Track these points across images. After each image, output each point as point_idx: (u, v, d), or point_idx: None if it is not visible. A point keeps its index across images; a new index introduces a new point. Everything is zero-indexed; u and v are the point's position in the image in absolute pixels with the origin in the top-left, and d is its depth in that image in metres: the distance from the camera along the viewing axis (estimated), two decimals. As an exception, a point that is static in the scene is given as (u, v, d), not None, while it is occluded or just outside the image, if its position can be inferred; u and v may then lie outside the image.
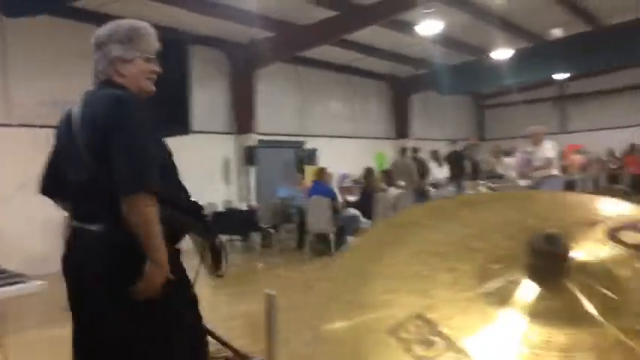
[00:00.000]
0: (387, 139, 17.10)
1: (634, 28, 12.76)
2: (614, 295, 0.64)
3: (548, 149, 8.35)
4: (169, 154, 2.07)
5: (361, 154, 14.96)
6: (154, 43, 2.11)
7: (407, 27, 12.02)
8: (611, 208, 0.79)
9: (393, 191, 10.38)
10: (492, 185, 10.71)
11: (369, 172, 10.31)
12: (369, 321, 0.66)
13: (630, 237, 0.72)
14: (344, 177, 13.14)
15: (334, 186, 11.01)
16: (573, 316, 0.63)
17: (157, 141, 1.98)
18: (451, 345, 0.62)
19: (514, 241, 0.69)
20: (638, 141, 15.97)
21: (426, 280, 0.71)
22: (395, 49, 14.16)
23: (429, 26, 11.48)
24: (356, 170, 12.91)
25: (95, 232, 1.89)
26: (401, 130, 17.40)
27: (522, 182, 8.81)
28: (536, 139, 8.35)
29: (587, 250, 0.70)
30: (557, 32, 13.70)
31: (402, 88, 17.29)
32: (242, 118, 12.35)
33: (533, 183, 8.22)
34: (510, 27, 13.10)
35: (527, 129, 8.69)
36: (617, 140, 16.72)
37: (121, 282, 1.81)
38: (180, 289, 1.99)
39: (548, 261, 0.65)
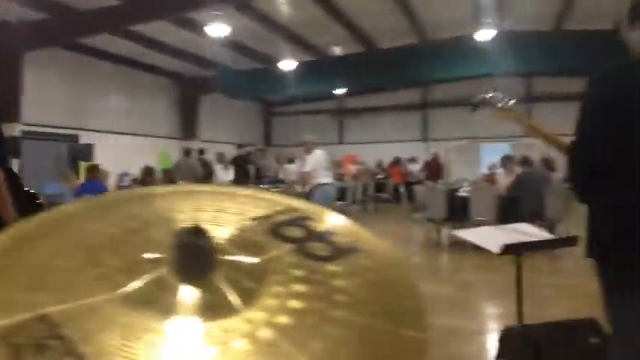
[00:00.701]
0: (172, 138, 16.65)
1: (404, 53, 14.39)
2: (255, 285, 0.64)
3: (313, 160, 8.76)
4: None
5: (143, 152, 14.32)
6: None
7: (197, 27, 11.88)
8: (276, 203, 0.81)
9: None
10: (273, 190, 11.08)
11: (147, 171, 9.92)
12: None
13: (288, 232, 0.74)
14: (123, 176, 12.43)
15: (111, 185, 10.35)
16: (224, 308, 0.62)
17: None
18: (70, 349, 0.55)
19: (168, 237, 0.66)
20: (401, 155, 18.00)
21: (66, 276, 0.63)
22: (184, 47, 13.89)
23: (219, 29, 11.49)
24: (137, 169, 12.32)
25: None
26: (188, 131, 17.07)
27: (299, 188, 9.25)
28: (307, 149, 8.81)
29: (238, 244, 0.70)
30: (336, 50, 14.80)
31: (190, 88, 17.01)
32: (4, 104, 10.92)
33: (308, 189, 8.67)
34: (296, 40, 13.78)
35: (301, 139, 9.15)
36: (385, 153, 18.63)
37: None
38: None
39: (191, 255, 0.63)
